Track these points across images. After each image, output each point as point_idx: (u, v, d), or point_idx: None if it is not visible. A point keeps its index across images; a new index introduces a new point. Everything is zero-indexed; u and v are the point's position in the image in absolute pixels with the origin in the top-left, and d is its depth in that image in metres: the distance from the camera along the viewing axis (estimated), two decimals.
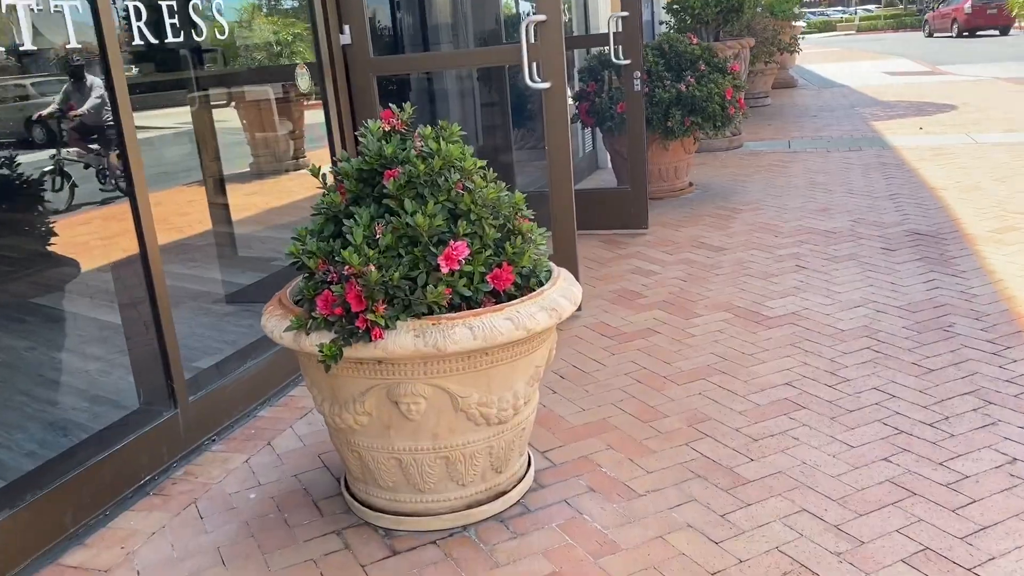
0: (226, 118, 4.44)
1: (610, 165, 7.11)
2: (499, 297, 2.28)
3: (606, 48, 5.50)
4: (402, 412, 2.21)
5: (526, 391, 2.36)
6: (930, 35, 31.63)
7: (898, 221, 5.38)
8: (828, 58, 22.35)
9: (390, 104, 2.51)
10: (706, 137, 6.55)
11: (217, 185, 4.37)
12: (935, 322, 3.67)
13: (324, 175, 2.43)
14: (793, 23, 11.90)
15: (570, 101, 7.14)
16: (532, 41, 3.74)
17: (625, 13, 5.23)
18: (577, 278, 4.03)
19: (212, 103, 4.18)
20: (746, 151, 8.42)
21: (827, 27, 51.93)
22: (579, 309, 4.06)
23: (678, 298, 4.25)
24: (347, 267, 2.09)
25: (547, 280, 2.42)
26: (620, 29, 5.28)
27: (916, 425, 2.80)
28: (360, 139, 2.40)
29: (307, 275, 2.25)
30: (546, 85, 3.73)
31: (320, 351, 2.09)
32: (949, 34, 29.47)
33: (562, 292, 2.37)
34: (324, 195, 2.35)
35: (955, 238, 4.92)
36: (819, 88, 14.08)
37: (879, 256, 4.68)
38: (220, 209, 4.37)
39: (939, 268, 4.40)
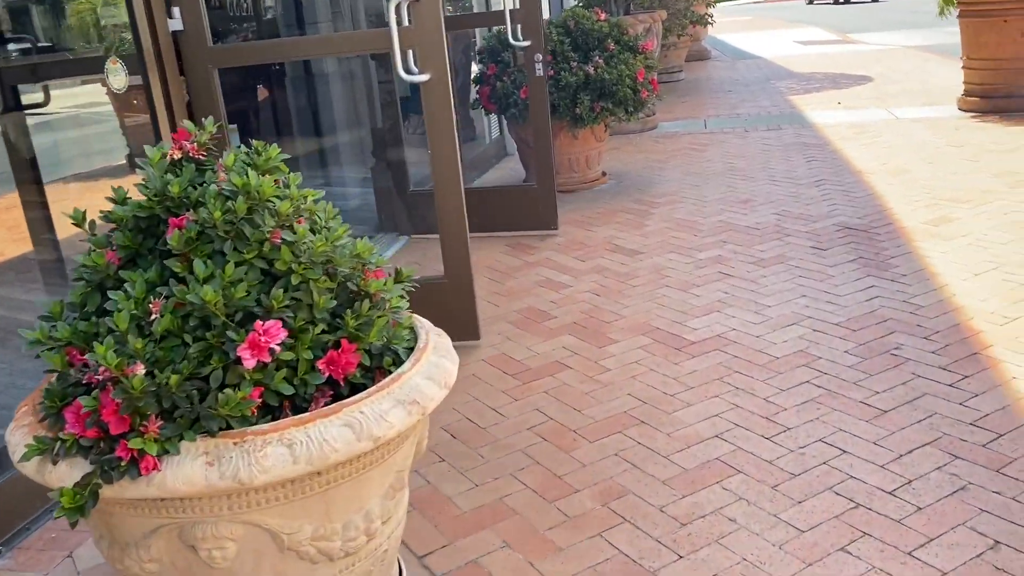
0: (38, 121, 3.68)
1: (518, 154, 6.51)
2: (338, 388, 1.66)
3: (504, 27, 4.88)
4: (203, 560, 1.59)
5: (384, 507, 1.76)
6: (810, 2, 33.62)
7: (826, 213, 4.93)
8: (740, 27, 22.12)
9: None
10: (618, 123, 5.99)
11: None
12: (879, 343, 3.20)
13: (92, 223, 1.76)
14: None
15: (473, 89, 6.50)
16: (406, 24, 3.10)
17: None
18: (472, 299, 3.44)
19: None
20: (661, 133, 7.92)
21: None
22: (479, 339, 3.49)
23: (591, 319, 3.70)
24: (102, 368, 1.45)
25: (409, 353, 1.81)
26: (518, 6, 4.66)
27: (875, 494, 2.30)
28: (139, 170, 1.74)
29: (57, 373, 1.59)
30: (424, 77, 3.10)
31: (60, 499, 1.44)
32: (828, 2, 32.02)
33: (427, 373, 1.76)
34: (88, 253, 1.69)
35: (889, 232, 4.49)
36: (733, 60, 13.72)
37: (810, 257, 4.21)
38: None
39: (876, 271, 3.95)
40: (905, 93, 8.89)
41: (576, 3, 8.79)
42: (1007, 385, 2.80)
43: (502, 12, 4.63)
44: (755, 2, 36.42)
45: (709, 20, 10.60)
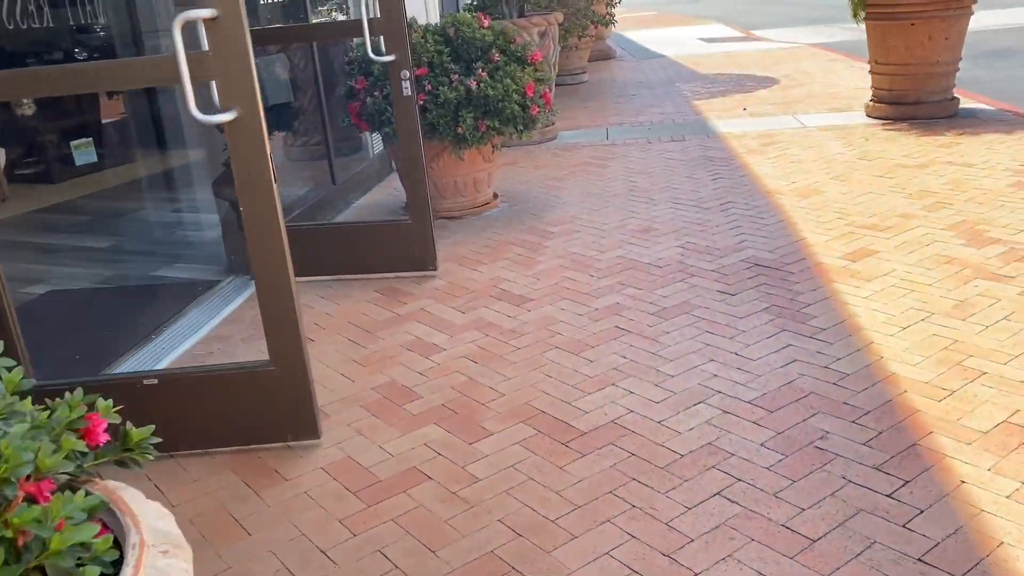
0: None
1: (399, 176, 5.83)
2: None
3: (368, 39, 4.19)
4: None
5: None
6: None
7: (734, 245, 4.42)
8: (645, 23, 21.83)
9: None
10: (509, 141, 5.38)
11: None
12: (801, 431, 2.66)
13: None
14: None
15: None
16: (204, 49, 2.40)
17: None
18: (308, 389, 2.74)
19: None
20: (561, 144, 7.34)
21: None
22: (318, 437, 2.81)
23: (463, 398, 3.06)
24: None
25: None
26: (378, 14, 3.98)
27: None
28: None
29: None
30: (227, 117, 2.40)
31: None
32: None
33: None
34: None
35: (804, 271, 3.99)
36: (638, 60, 13.29)
37: (717, 305, 3.67)
38: None
39: (792, 324, 3.43)
40: (811, 97, 8.53)
41: (470, 2, 8.17)
42: (956, 495, 2.29)
43: (358, 22, 3.94)
44: None
45: (611, 20, 10.10)
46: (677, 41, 15.95)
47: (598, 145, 7.17)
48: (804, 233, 4.52)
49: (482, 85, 4.81)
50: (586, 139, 7.45)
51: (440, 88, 4.80)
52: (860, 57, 11.13)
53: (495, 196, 5.64)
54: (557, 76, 10.36)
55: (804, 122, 7.36)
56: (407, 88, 4.00)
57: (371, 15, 3.99)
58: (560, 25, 8.66)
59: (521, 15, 7.43)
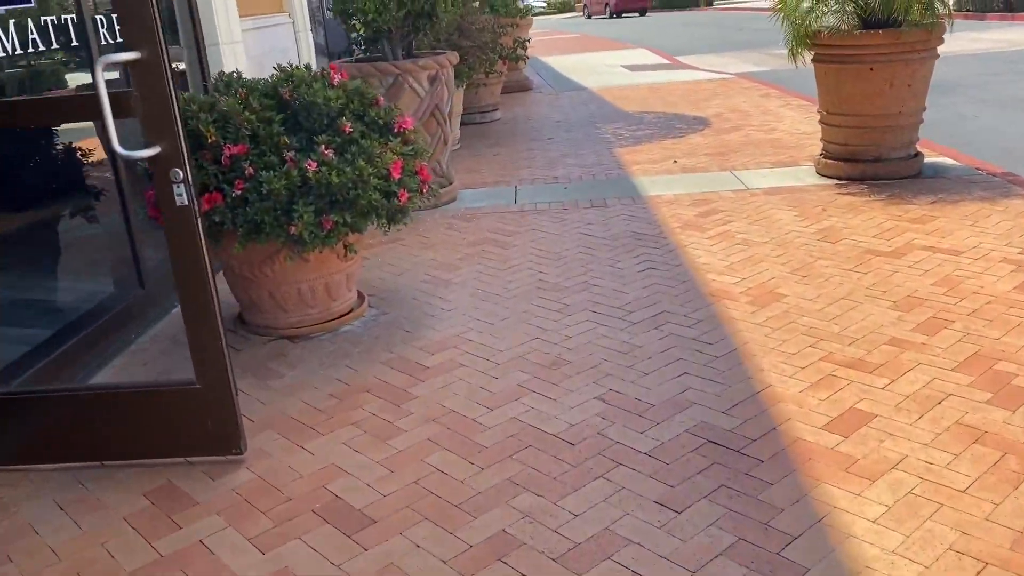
0: None
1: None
2: None
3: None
4: None
5: None
6: (589, 17, 38.57)
7: (675, 399, 3.12)
8: (565, 47, 20.73)
9: None
10: (374, 230, 4.01)
11: None
12: None
13: None
14: (519, 20, 9.67)
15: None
16: None
17: (132, 55, 2.49)
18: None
19: None
20: (460, 210, 5.99)
21: (566, 7, 51.68)
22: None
23: None
24: None
25: None
26: (129, 86, 2.55)
27: None
28: None
29: None
30: (149, 153, 0.99)
31: None
32: (604, 16, 37.20)
33: None
34: None
35: (777, 454, 2.71)
36: (557, 91, 12.06)
37: (657, 537, 2.36)
38: None
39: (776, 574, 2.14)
40: (750, 145, 7.38)
41: (357, 39, 6.76)
42: None
43: (94, 98, 2.49)
44: (542, 14, 37.06)
45: (521, 56, 8.80)
46: (599, 69, 14.82)
47: (504, 212, 5.84)
48: (768, 374, 3.25)
49: (324, 169, 3.43)
50: (491, 202, 6.11)
51: (262, 173, 3.40)
52: (795, 92, 10.13)
53: (361, 299, 4.25)
54: (464, 114, 9.06)
55: (746, 181, 6.17)
56: (181, 195, 2.59)
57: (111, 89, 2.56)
58: (464, 62, 7.34)
59: (409, 55, 6.07)
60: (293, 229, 3.42)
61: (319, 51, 7.72)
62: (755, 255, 4.60)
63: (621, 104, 10.36)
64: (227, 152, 3.47)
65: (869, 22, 5.73)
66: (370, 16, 5.46)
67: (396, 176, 3.66)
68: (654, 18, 34.17)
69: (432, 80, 5.80)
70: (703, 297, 4.07)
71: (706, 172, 6.54)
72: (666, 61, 15.63)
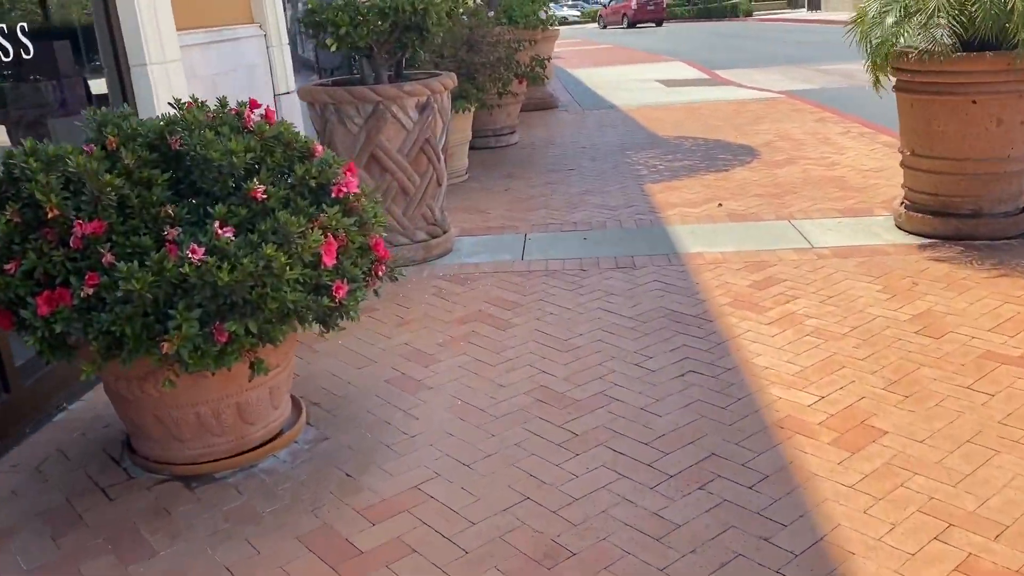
0: None
1: None
2: None
3: None
4: None
5: None
6: (604, 27, 37.72)
7: None
8: (597, 58, 19.56)
9: None
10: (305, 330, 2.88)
11: None
12: None
13: None
14: (541, 32, 8.53)
15: None
16: None
17: None
18: None
19: None
20: (454, 267, 4.86)
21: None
22: None
23: None
24: None
25: None
26: None
27: None
28: None
29: None
30: None
31: None
32: (621, 26, 36.51)
33: None
34: None
35: None
36: (584, 110, 10.89)
37: None
38: None
39: None
40: (809, 184, 6.16)
41: (335, 57, 5.69)
42: None
43: None
44: (576, 23, 36.10)
45: (539, 76, 7.63)
46: (632, 84, 13.64)
47: (508, 271, 4.69)
48: None
49: (210, 260, 2.30)
50: (493, 256, 4.97)
51: (121, 265, 2.28)
52: (854, 117, 8.88)
53: (297, 410, 3.13)
54: (476, 138, 7.95)
55: (809, 236, 4.96)
56: None
57: None
58: (472, 81, 6.22)
59: (399, 76, 4.96)
60: (166, 346, 2.30)
61: (307, 68, 6.63)
62: (834, 355, 3.41)
63: (655, 127, 9.17)
64: (78, 231, 2.36)
65: (971, 43, 4.51)
66: (343, 29, 4.35)
67: (329, 262, 2.53)
68: (691, 28, 32.88)
69: (422, 108, 4.68)
70: (766, 430, 2.89)
71: (758, 221, 5.34)
72: (705, 76, 14.41)
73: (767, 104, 10.30)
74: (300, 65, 6.45)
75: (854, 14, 5.04)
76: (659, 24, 36.45)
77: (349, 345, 3.81)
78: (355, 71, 5.92)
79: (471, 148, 7.84)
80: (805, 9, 37.90)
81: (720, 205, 5.77)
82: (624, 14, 37.02)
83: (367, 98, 4.54)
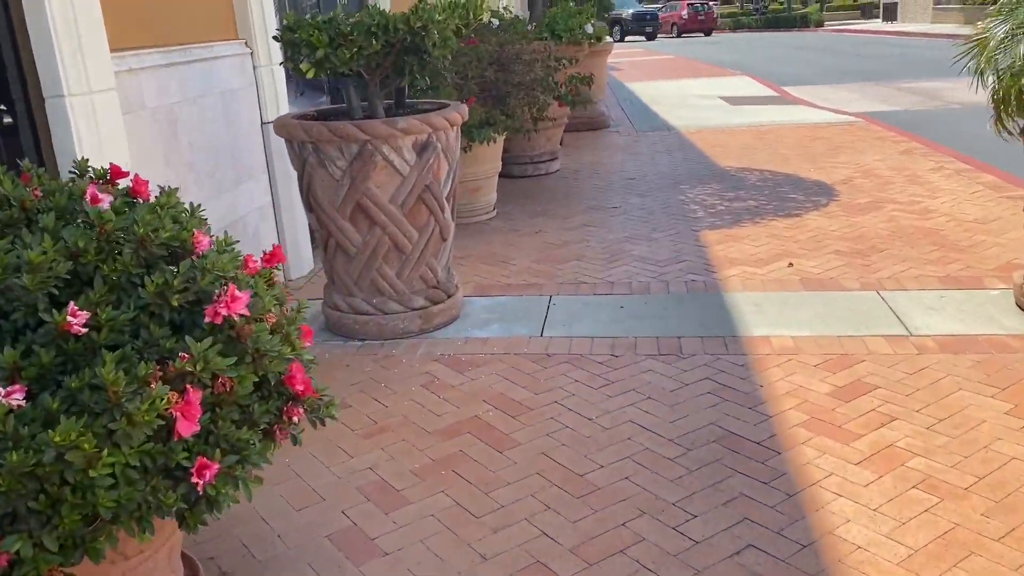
0: None
1: None
2: None
3: None
4: None
5: None
6: (651, 38, 36.07)
7: None
8: (657, 71, 18.47)
9: None
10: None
11: None
12: None
13: None
14: (588, 47, 7.55)
15: None
16: None
17: None
18: None
19: None
20: (455, 341, 3.92)
21: None
22: None
23: None
24: None
25: None
26: None
27: None
28: None
29: None
30: None
31: None
32: (671, 35, 35.99)
33: None
34: None
35: None
36: (638, 132, 9.87)
37: None
38: None
39: None
40: (900, 238, 5.08)
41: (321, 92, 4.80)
42: None
43: None
44: (634, 32, 34.38)
45: (582, 100, 6.64)
46: (693, 100, 12.55)
47: (520, 353, 3.74)
48: None
49: None
50: (507, 330, 4.02)
51: None
52: (947, 149, 7.70)
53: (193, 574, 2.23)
54: (514, 163, 7.05)
55: (905, 318, 3.89)
56: None
57: None
58: (503, 105, 5.32)
59: (400, 105, 4.06)
60: None
61: (316, 89, 5.78)
62: (955, 530, 2.38)
63: (716, 154, 8.12)
64: None
65: None
66: (320, 52, 3.46)
67: (186, 430, 1.62)
68: (758, 39, 31.48)
69: (421, 149, 3.76)
70: None
71: (839, 291, 4.30)
72: (773, 93, 13.25)
73: (843, 129, 9.15)
74: (309, 86, 5.60)
75: (971, 32, 3.97)
76: (707, 34, 36.07)
77: (297, 465, 2.91)
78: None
79: (505, 176, 6.94)
80: (880, 20, 36.10)
81: (791, 265, 4.73)
82: (674, 23, 36.64)
83: (351, 136, 3.64)
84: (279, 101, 4.77)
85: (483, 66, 5.57)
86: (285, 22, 3.61)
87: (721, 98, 12.69)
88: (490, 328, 4.05)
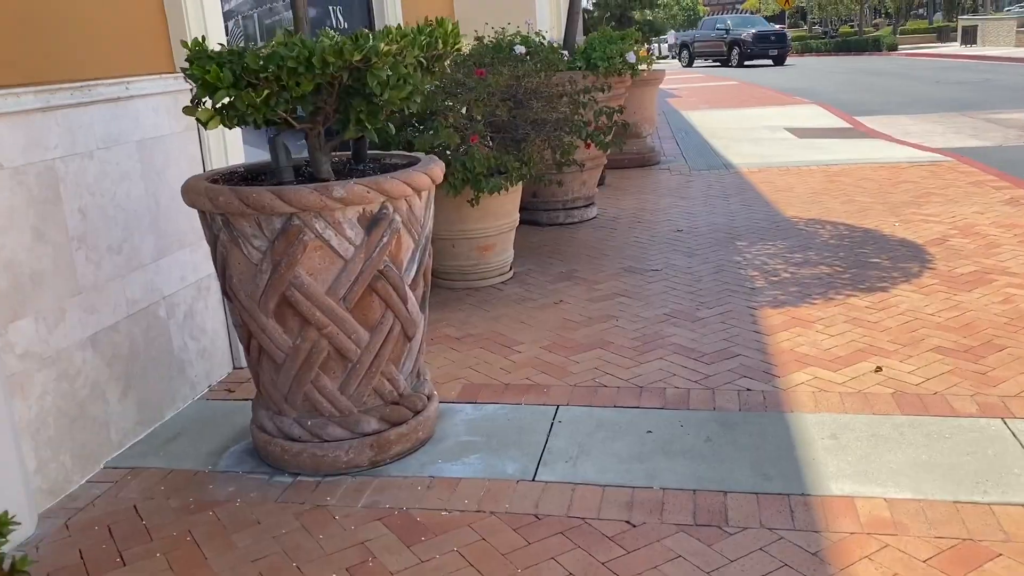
0: None
1: None
2: None
3: None
4: None
5: None
6: (690, 64, 32.84)
7: None
8: (718, 99, 17.23)
9: None
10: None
11: None
12: None
13: None
14: (631, 78, 6.45)
15: None
16: None
17: None
18: None
19: None
20: (415, 485, 2.86)
21: None
22: None
23: None
24: None
25: None
26: None
27: None
28: None
29: None
30: None
31: None
32: (710, 60, 32.06)
33: None
34: None
35: None
36: (691, 171, 8.71)
37: None
38: None
39: None
40: (1021, 328, 3.86)
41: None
42: None
43: None
44: (701, 55, 32.36)
45: (617, 142, 5.52)
46: (755, 132, 11.33)
47: (500, 512, 2.65)
48: None
49: None
50: (488, 468, 2.93)
51: None
52: None
53: None
54: (538, 212, 6.01)
55: None
56: None
57: None
58: (517, 149, 4.29)
59: (360, 161, 3.05)
60: None
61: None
62: None
63: (780, 201, 6.93)
64: None
65: None
66: (221, 95, 2.45)
67: None
68: (828, 63, 29.89)
69: (370, 223, 2.73)
70: None
71: (947, 416, 3.11)
72: (845, 124, 11.94)
73: (931, 171, 7.86)
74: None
75: None
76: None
77: None
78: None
79: (531, 224, 5.91)
80: (958, 43, 34.12)
81: (879, 370, 3.55)
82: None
83: (270, 208, 2.62)
84: (228, 148, 3.79)
85: (494, 103, 4.53)
86: (186, 51, 2.62)
87: (787, 130, 11.45)
88: (468, 461, 2.98)
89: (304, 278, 2.72)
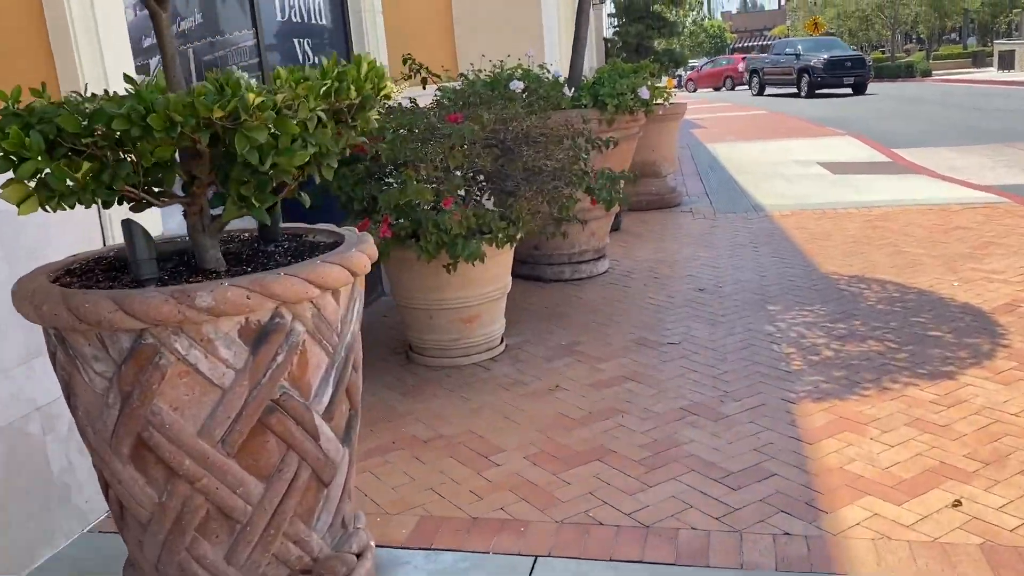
0: None
1: None
2: None
3: None
4: None
5: None
6: (695, 91, 32.51)
7: None
8: (746, 130, 16.37)
9: None
10: None
11: None
12: None
13: None
14: (644, 116, 5.65)
15: None
16: None
17: None
18: None
19: None
20: None
21: None
22: None
23: None
24: None
25: None
26: None
27: None
28: None
29: None
30: None
31: None
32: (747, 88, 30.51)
33: None
34: None
35: None
36: (715, 213, 7.88)
37: None
38: None
39: None
40: None
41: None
42: None
43: None
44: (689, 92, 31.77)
45: (618, 198, 4.69)
46: (786, 168, 10.47)
47: None
48: None
49: None
50: None
51: None
52: None
53: None
54: (541, 267, 5.22)
55: None
56: None
57: None
58: (504, 204, 3.52)
59: (268, 238, 2.28)
60: None
61: None
62: None
63: (817, 252, 6.07)
64: None
65: None
66: (28, 163, 1.70)
67: None
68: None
69: (257, 339, 1.94)
70: None
71: None
72: (883, 157, 11.04)
73: (986, 214, 6.96)
74: None
75: None
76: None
77: None
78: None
79: (533, 280, 5.15)
80: (995, 68, 32.97)
81: (958, 504, 2.69)
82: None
83: (109, 322, 1.85)
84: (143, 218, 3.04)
85: (475, 152, 3.76)
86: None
87: (821, 164, 10.57)
88: None
89: (166, 415, 1.94)
